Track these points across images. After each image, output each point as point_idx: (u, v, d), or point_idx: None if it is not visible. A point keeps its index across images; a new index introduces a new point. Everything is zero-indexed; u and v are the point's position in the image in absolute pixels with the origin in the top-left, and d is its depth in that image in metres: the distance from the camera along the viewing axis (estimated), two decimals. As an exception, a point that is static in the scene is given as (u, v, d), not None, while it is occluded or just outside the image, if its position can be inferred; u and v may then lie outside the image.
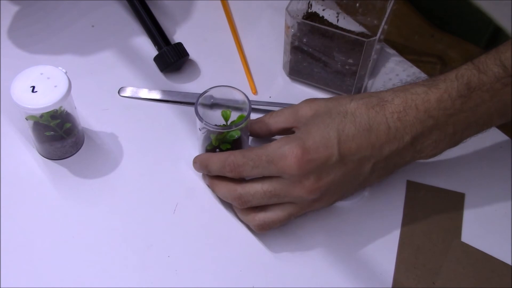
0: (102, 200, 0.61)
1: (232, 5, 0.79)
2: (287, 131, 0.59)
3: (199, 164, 0.60)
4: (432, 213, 0.61)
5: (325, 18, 0.70)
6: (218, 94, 0.61)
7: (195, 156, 0.61)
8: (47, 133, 0.61)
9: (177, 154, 0.65)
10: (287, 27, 0.66)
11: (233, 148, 0.59)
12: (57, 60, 0.72)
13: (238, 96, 0.59)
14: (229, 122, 0.59)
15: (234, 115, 0.60)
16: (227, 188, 0.57)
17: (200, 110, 0.58)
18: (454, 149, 0.65)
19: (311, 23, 0.65)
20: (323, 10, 0.70)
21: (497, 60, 0.53)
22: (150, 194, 0.62)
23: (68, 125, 0.62)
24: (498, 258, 0.58)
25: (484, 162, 0.65)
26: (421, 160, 0.64)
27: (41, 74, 0.59)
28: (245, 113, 0.58)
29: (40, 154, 0.64)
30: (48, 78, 0.59)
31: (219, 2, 0.79)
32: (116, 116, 0.68)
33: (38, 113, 0.59)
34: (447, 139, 0.55)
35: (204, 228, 0.60)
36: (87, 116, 0.67)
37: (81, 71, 0.70)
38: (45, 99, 0.57)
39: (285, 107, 0.60)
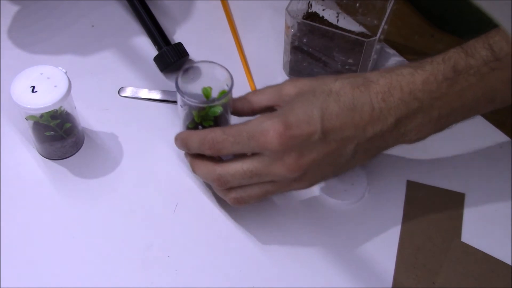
0: (102, 200, 0.61)
1: (232, 5, 0.79)
2: (270, 109, 0.57)
3: (180, 141, 0.58)
4: (432, 213, 0.61)
5: (325, 18, 0.70)
6: (201, 70, 0.58)
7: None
8: (47, 133, 0.61)
9: (177, 154, 0.65)
10: (287, 27, 0.66)
11: (215, 125, 0.58)
12: (57, 60, 0.72)
13: (221, 72, 0.57)
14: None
15: (216, 93, 0.58)
16: (206, 168, 0.56)
17: (181, 85, 0.56)
18: (454, 149, 0.66)
19: (311, 23, 0.65)
20: (323, 10, 0.70)
21: (485, 44, 0.52)
22: (150, 194, 0.62)
23: (68, 125, 0.62)
24: (498, 258, 0.58)
25: (484, 162, 0.65)
26: (421, 160, 0.64)
27: (41, 74, 0.59)
28: (227, 89, 0.56)
29: (40, 154, 0.64)
30: (48, 78, 0.59)
31: (219, 2, 0.79)
32: (116, 116, 0.68)
33: (38, 113, 0.59)
34: (432, 123, 0.54)
35: (204, 228, 0.60)
36: (87, 116, 0.67)
37: (81, 71, 0.70)
38: (45, 99, 0.57)
39: (269, 85, 0.59)
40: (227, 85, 0.56)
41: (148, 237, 0.59)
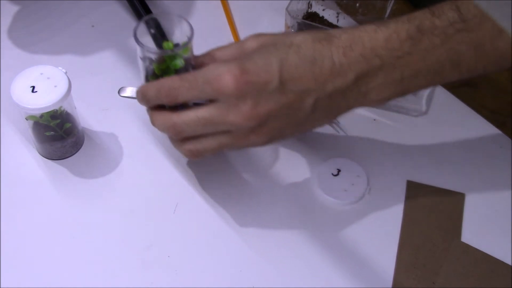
0: (102, 200, 0.61)
1: (232, 5, 0.79)
2: None
3: (140, 94, 0.56)
4: (432, 213, 0.61)
5: (325, 18, 0.70)
6: (160, 22, 0.57)
7: None
8: (47, 133, 0.61)
9: (177, 154, 0.65)
10: (287, 27, 0.66)
11: None
12: (57, 60, 0.72)
13: (182, 24, 0.56)
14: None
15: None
16: (163, 117, 0.54)
17: (141, 37, 0.55)
18: (454, 149, 0.66)
19: (311, 23, 0.65)
20: (323, 10, 0.70)
21: (453, 6, 0.51)
22: (150, 194, 0.62)
23: (68, 125, 0.62)
24: (498, 258, 0.58)
25: (484, 162, 0.65)
26: (421, 160, 0.64)
27: (41, 74, 0.59)
28: (187, 40, 0.55)
29: (40, 154, 0.64)
30: (48, 78, 0.59)
31: (219, 2, 0.79)
32: (116, 116, 0.68)
33: (38, 113, 0.59)
34: (394, 84, 0.52)
35: (204, 228, 0.60)
36: (87, 116, 0.67)
37: (81, 71, 0.70)
38: (45, 99, 0.57)
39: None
40: (187, 37, 0.55)
41: (148, 237, 0.59)
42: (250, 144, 0.54)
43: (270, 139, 0.54)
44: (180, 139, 0.55)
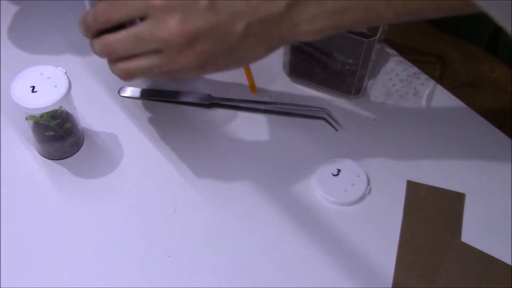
0: (102, 200, 0.61)
1: (232, 5, 0.79)
2: None
3: (81, 23, 0.56)
4: (432, 213, 0.61)
5: (325, 18, 0.70)
6: None
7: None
8: (47, 133, 0.61)
9: (177, 154, 0.65)
10: (287, 27, 0.66)
11: None
12: (57, 60, 0.72)
13: None
14: None
15: None
16: (100, 40, 0.54)
17: None
18: (454, 149, 0.66)
19: (311, 23, 0.65)
20: (323, 10, 0.70)
21: None
22: (150, 194, 0.62)
23: (68, 125, 0.62)
24: (498, 258, 0.58)
25: (484, 162, 0.65)
26: (421, 160, 0.64)
27: (41, 74, 0.59)
28: None
29: (40, 154, 0.64)
30: (48, 78, 0.59)
31: (219, 2, 0.79)
32: (116, 116, 0.68)
33: (38, 113, 0.59)
34: (325, 16, 0.52)
35: (204, 228, 0.60)
36: (87, 116, 0.67)
37: (81, 71, 0.70)
38: (45, 99, 0.57)
39: None
40: None
41: (148, 237, 0.59)
42: (180, 66, 0.53)
43: (202, 65, 0.53)
44: (114, 59, 0.55)
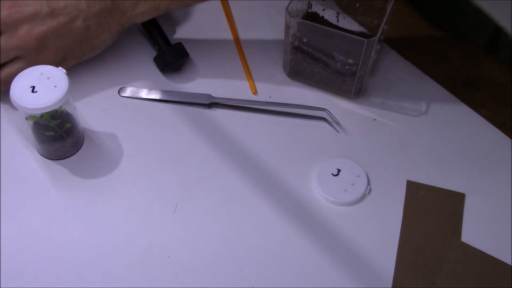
0: (102, 200, 0.61)
1: (232, 5, 0.79)
2: None
3: None
4: (432, 213, 0.61)
5: (325, 18, 0.70)
6: None
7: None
8: (47, 133, 0.61)
9: (177, 154, 0.65)
10: (287, 27, 0.66)
11: None
12: (57, 60, 0.72)
13: None
14: None
15: None
16: None
17: None
18: (454, 149, 0.66)
19: (311, 23, 0.65)
20: (323, 10, 0.70)
21: None
22: (150, 194, 0.62)
23: (68, 125, 0.62)
24: (498, 258, 0.58)
25: (484, 162, 0.65)
26: (421, 160, 0.65)
27: (41, 74, 0.59)
28: None
29: (40, 154, 0.64)
30: (48, 78, 0.59)
31: (219, 2, 0.79)
32: (116, 116, 0.68)
33: (38, 113, 0.59)
34: (143, 2, 0.66)
35: (204, 228, 0.60)
36: (87, 116, 0.67)
37: (81, 71, 0.70)
38: (45, 99, 0.57)
39: None
40: None
41: (148, 237, 0.59)
42: (43, 62, 0.61)
43: (63, 58, 0.65)
44: None
